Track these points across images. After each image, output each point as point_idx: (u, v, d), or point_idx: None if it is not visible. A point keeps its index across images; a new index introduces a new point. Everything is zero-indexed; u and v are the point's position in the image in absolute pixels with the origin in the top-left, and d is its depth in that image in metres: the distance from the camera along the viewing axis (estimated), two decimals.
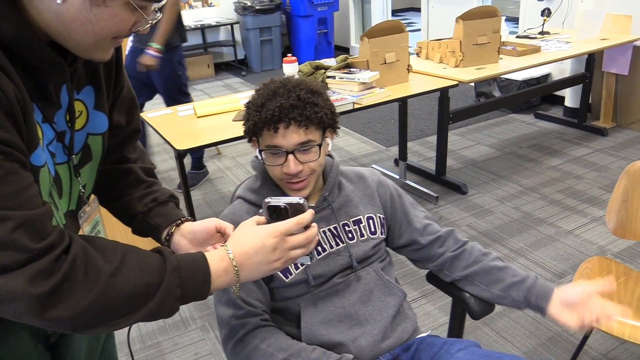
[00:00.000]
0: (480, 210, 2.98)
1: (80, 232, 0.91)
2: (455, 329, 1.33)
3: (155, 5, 0.70)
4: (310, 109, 1.06)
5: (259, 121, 1.07)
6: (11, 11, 0.64)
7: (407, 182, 3.36)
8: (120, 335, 2.09)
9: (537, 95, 4.47)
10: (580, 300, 1.09)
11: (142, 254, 0.74)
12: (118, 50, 0.89)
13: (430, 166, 3.47)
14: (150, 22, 0.71)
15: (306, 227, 0.84)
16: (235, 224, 1.13)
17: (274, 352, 1.06)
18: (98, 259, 0.68)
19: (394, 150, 3.87)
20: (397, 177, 3.43)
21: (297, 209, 0.84)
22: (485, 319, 1.63)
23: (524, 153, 3.72)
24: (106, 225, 1.02)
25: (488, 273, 1.21)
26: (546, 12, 3.85)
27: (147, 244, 0.85)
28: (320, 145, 1.10)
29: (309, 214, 0.83)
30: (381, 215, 1.26)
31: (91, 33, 0.67)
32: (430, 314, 2.18)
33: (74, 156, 0.84)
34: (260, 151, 1.12)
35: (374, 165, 3.66)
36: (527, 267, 2.43)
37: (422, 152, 3.88)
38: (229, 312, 1.10)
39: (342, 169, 1.28)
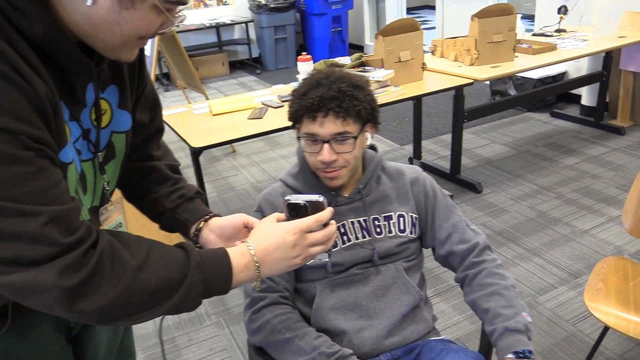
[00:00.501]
0: (495, 209, 2.97)
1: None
2: (484, 344, 1.27)
3: (180, 7, 0.72)
4: (349, 102, 1.09)
5: (300, 108, 1.12)
6: (42, 12, 0.65)
7: None
8: (136, 330, 2.14)
9: (553, 94, 4.43)
10: None
11: (166, 250, 0.76)
12: (141, 50, 0.91)
13: (445, 165, 3.46)
14: (175, 23, 0.72)
15: (325, 225, 0.85)
16: (269, 204, 1.22)
17: (281, 329, 1.13)
18: (124, 253, 0.70)
19: (409, 149, 3.87)
20: None
21: (316, 207, 0.85)
22: None
23: (539, 152, 3.69)
24: (130, 222, 1.04)
25: (479, 313, 1.18)
26: (563, 10, 3.81)
27: (163, 239, 0.87)
28: (355, 138, 1.13)
29: (328, 212, 0.85)
30: (414, 215, 1.26)
31: (119, 34, 0.69)
32: (444, 312, 2.18)
33: (99, 153, 0.86)
34: (299, 138, 1.16)
35: None
36: (543, 267, 2.42)
37: (436, 150, 3.87)
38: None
39: (386, 163, 1.30)
